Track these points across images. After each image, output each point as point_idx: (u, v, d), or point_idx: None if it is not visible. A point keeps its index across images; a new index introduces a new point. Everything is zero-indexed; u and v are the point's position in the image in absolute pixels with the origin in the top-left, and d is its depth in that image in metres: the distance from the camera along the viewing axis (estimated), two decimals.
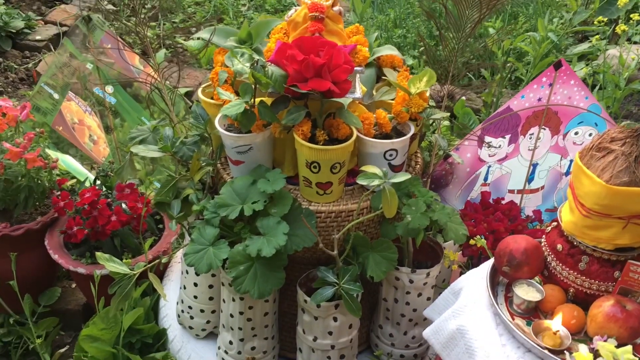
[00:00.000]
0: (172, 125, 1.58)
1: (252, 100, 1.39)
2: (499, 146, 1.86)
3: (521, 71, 3.27)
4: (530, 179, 1.93)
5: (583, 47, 3.44)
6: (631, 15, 2.73)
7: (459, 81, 3.64)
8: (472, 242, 1.58)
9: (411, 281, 1.53)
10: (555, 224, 1.32)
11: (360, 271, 1.47)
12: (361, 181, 1.32)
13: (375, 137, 1.46)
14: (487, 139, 1.83)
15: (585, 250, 1.23)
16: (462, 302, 1.33)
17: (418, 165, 1.63)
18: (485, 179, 1.91)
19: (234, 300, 1.50)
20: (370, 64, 1.65)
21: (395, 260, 1.47)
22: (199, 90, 1.58)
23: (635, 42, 3.53)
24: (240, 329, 1.53)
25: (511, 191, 1.95)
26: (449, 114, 1.62)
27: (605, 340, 1.16)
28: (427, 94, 1.55)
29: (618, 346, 1.14)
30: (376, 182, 1.31)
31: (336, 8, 1.45)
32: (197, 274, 1.62)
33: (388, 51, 1.64)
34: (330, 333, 1.49)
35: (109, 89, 1.91)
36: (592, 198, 1.17)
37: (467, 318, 1.29)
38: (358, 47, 1.42)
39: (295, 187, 1.52)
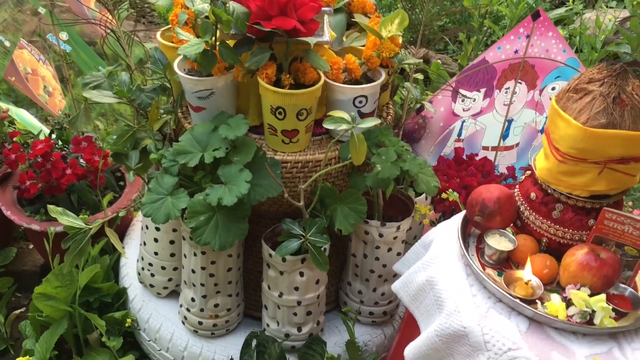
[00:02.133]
0: (129, 72, 1.48)
1: (214, 40, 1.30)
2: (474, 100, 1.80)
3: (497, 35, 3.22)
4: (505, 135, 1.88)
5: (560, 11, 3.39)
6: None
7: (435, 46, 3.58)
8: (444, 196, 1.53)
9: (381, 235, 1.47)
10: (529, 172, 1.27)
11: (328, 224, 1.41)
12: (328, 125, 1.25)
13: (344, 83, 1.39)
14: (462, 92, 1.77)
15: (559, 198, 1.18)
16: (433, 253, 1.28)
17: (390, 117, 1.56)
18: (459, 134, 1.86)
19: (195, 255, 1.43)
20: (341, 9, 1.56)
21: (364, 213, 1.41)
22: (158, 34, 1.48)
23: (611, 7, 3.50)
24: (202, 285, 1.46)
25: (485, 148, 1.90)
26: (421, 60, 1.55)
27: (578, 289, 1.12)
28: (400, 40, 1.47)
29: (591, 295, 1.11)
30: (344, 126, 1.24)
31: None
32: (158, 229, 1.55)
33: None
34: (296, 289, 1.43)
35: (64, 35, 1.79)
36: (567, 142, 1.12)
37: (437, 269, 1.24)
38: None
39: (261, 137, 1.44)
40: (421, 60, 1.49)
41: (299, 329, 1.49)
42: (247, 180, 1.26)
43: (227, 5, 1.24)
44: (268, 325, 1.52)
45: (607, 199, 1.17)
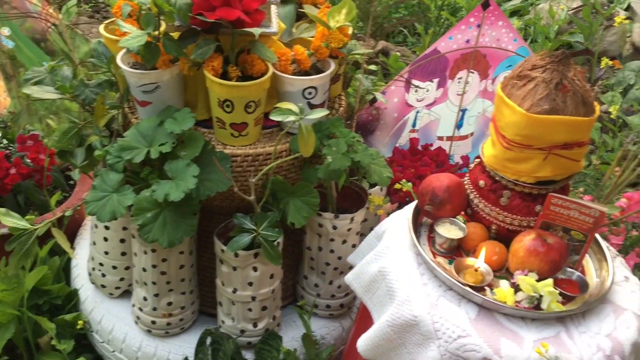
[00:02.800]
0: (73, 67, 1.44)
1: (157, 32, 1.27)
2: (427, 90, 1.80)
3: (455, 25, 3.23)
4: (459, 125, 1.89)
5: (516, 1, 3.43)
6: None
7: (393, 37, 3.58)
8: (397, 186, 1.53)
9: (335, 227, 1.47)
10: (478, 160, 1.28)
11: (280, 218, 1.39)
12: (275, 117, 1.23)
13: (293, 74, 1.37)
14: (415, 82, 1.77)
15: (506, 185, 1.19)
16: (385, 244, 1.28)
17: (342, 108, 1.55)
18: (414, 125, 1.86)
19: (145, 252, 1.40)
20: (290, 0, 1.54)
21: (317, 205, 1.40)
22: (101, 27, 1.44)
23: None
24: (154, 283, 1.43)
25: (440, 138, 1.91)
26: (371, 50, 1.54)
27: (526, 275, 1.13)
28: (350, 31, 1.46)
29: (539, 280, 1.12)
30: (291, 118, 1.22)
31: None
32: (107, 228, 1.51)
33: None
34: (250, 284, 1.42)
35: (5, 30, 1.73)
36: (512, 128, 1.13)
37: (388, 260, 1.23)
38: None
39: (210, 131, 1.42)
40: (371, 51, 1.48)
41: (255, 325, 1.48)
42: (194, 175, 1.24)
43: None
44: (223, 322, 1.50)
45: (553, 185, 1.18)
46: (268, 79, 1.32)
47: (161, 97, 1.34)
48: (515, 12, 3.54)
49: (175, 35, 1.31)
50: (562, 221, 1.16)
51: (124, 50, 1.33)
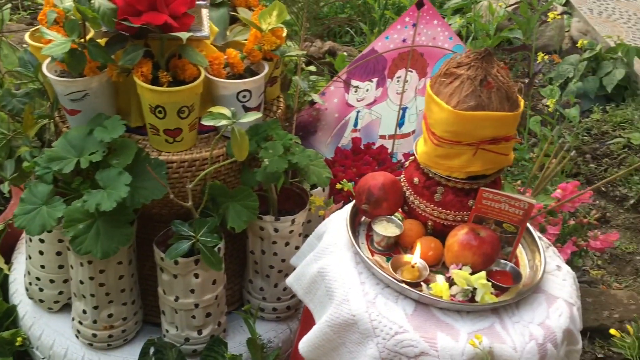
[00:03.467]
0: None
1: (83, 39, 1.24)
2: (367, 90, 1.82)
3: None
4: (400, 123, 1.91)
5: (458, 0, 3.49)
6: None
7: (340, 37, 3.59)
8: (338, 186, 1.53)
9: (276, 230, 1.46)
10: (412, 157, 1.29)
11: (221, 222, 1.38)
12: (206, 122, 1.22)
13: (227, 78, 1.36)
14: (354, 82, 1.78)
15: (439, 181, 1.21)
16: (324, 244, 1.28)
17: (280, 110, 1.55)
18: (355, 124, 1.87)
19: (82, 265, 1.36)
20: (223, 3, 1.53)
21: (257, 209, 1.39)
22: (27, 34, 1.40)
23: None
24: (92, 295, 1.40)
25: (382, 137, 1.92)
26: (305, 51, 1.54)
27: (460, 269, 1.15)
28: (284, 33, 1.46)
29: (473, 273, 1.14)
30: (224, 122, 1.21)
31: None
32: (42, 241, 1.46)
33: None
34: (192, 291, 1.40)
35: None
36: (441, 125, 1.15)
37: (328, 260, 1.23)
38: None
39: (145, 138, 1.39)
40: (305, 52, 1.48)
41: (199, 332, 1.46)
42: (126, 184, 1.22)
43: (93, 1, 1.19)
44: (167, 330, 1.47)
45: (485, 179, 1.21)
46: (200, 84, 1.30)
47: (91, 105, 1.31)
48: (459, 10, 3.61)
49: (103, 41, 1.29)
50: (494, 214, 1.19)
51: (49, 58, 1.30)
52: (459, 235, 1.17)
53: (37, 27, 1.41)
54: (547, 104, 2.17)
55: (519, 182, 1.79)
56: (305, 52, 1.47)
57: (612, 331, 1.44)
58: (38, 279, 1.52)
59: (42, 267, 1.50)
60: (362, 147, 1.81)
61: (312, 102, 1.74)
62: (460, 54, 1.16)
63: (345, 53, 3.02)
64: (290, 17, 1.80)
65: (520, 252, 1.28)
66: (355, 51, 3.35)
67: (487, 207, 1.18)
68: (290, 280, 1.32)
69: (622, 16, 3.56)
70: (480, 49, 1.13)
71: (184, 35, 1.21)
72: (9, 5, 1.77)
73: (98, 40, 1.27)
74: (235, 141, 1.24)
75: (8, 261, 1.70)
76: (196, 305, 1.42)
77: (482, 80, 1.11)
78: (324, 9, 3.38)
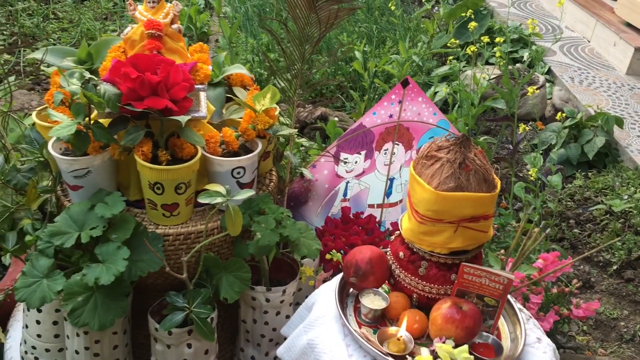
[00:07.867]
0: (5, 152, 1.47)
1: (88, 120, 1.32)
2: (356, 162, 1.90)
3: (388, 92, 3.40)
4: (388, 193, 1.99)
5: (444, 69, 3.65)
6: (482, 38, 2.94)
7: (333, 103, 3.72)
8: (327, 256, 1.59)
9: (268, 300, 1.51)
10: (398, 232, 1.36)
11: (214, 293, 1.43)
12: (203, 200, 1.29)
13: (223, 155, 1.44)
14: (343, 155, 1.87)
15: (423, 256, 1.27)
16: (314, 316, 1.33)
17: (272, 183, 1.62)
18: (345, 194, 1.95)
19: (78, 335, 1.40)
20: (220, 83, 1.63)
21: (249, 280, 1.44)
22: (34, 114, 1.48)
23: (492, 64, 3.80)
24: None
25: (371, 206, 2.00)
26: (296, 130, 1.63)
27: (443, 342, 1.20)
28: (277, 112, 1.55)
29: (456, 346, 1.18)
30: (219, 199, 1.28)
31: (175, 26, 1.42)
32: (40, 311, 1.50)
33: (237, 70, 1.64)
34: None
35: None
36: (424, 204, 1.22)
37: (317, 332, 1.28)
38: (199, 65, 1.40)
39: (143, 211, 1.46)
40: (295, 131, 1.57)
41: None
42: (124, 258, 1.27)
43: (99, 87, 1.27)
44: None
45: (466, 254, 1.27)
46: (197, 162, 1.38)
47: (92, 181, 1.38)
48: (445, 78, 3.76)
49: (106, 121, 1.37)
50: (475, 288, 1.25)
51: (55, 137, 1.38)
52: (442, 309, 1.22)
53: (44, 106, 1.50)
54: (530, 172, 2.26)
55: (502, 250, 1.85)
56: (295, 131, 1.55)
57: None
58: (34, 347, 1.55)
59: (39, 336, 1.53)
60: (351, 216, 1.88)
61: (302, 174, 1.82)
62: (441, 137, 1.25)
63: (336, 119, 3.13)
64: (283, 84, 1.92)
65: (502, 324, 1.33)
66: (346, 116, 3.47)
67: (469, 281, 1.24)
68: (280, 351, 1.36)
69: (602, 84, 3.72)
70: (459, 134, 1.21)
71: (182, 119, 1.29)
72: (17, 81, 1.86)
73: (101, 120, 1.36)
74: (230, 217, 1.31)
75: (4, 329, 1.72)
76: None
77: (460, 163, 1.19)
78: (316, 75, 3.52)
